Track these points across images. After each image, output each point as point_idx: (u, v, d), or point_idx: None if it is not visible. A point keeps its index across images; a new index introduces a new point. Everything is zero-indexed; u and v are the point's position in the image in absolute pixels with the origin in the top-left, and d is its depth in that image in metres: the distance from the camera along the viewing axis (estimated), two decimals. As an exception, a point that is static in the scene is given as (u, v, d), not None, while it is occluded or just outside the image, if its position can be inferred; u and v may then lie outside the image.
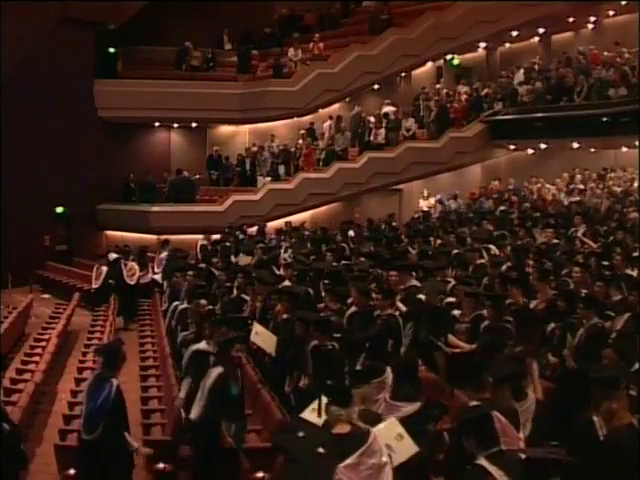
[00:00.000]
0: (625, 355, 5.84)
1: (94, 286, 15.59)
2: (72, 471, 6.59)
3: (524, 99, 19.86)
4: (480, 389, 4.99)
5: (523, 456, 3.93)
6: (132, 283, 15.09)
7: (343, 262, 11.66)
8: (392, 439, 4.57)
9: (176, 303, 9.81)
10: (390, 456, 4.45)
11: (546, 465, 3.72)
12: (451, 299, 8.43)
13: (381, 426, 4.66)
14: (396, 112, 21.04)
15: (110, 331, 12.21)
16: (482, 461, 4.01)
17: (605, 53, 19.37)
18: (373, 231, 15.55)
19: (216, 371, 6.41)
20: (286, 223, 17.94)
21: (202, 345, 7.08)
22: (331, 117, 21.20)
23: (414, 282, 9.11)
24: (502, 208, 17.57)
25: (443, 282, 9.26)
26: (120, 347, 6.59)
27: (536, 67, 20.87)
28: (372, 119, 21.01)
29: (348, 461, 4.24)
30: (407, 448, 4.59)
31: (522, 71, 20.83)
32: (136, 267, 15.23)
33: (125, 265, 15.19)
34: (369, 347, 7.22)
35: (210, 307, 9.01)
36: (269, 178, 20.39)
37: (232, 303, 9.86)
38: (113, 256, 16.47)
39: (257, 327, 7.99)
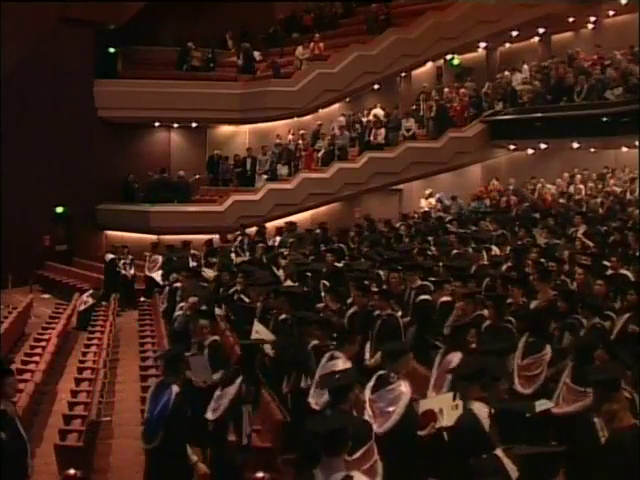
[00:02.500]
0: (619, 356, 5.84)
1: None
2: (72, 471, 6.60)
3: (523, 99, 19.84)
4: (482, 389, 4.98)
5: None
6: (152, 275, 15.36)
7: (343, 262, 11.69)
8: (448, 406, 5.23)
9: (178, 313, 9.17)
10: (438, 417, 5.26)
11: (544, 460, 3.70)
12: (446, 298, 8.41)
13: (447, 394, 5.45)
14: (386, 115, 21.00)
15: (110, 331, 12.22)
16: (498, 452, 4.03)
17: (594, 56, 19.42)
18: (372, 232, 15.54)
19: (457, 356, 6.01)
20: (286, 223, 17.90)
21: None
22: (343, 114, 21.24)
23: (420, 282, 9.09)
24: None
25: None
26: (181, 352, 6.30)
27: (526, 67, 20.82)
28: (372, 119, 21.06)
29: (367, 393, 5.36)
30: (454, 418, 5.08)
31: (518, 73, 20.84)
32: (160, 260, 15.35)
33: (150, 257, 15.59)
34: (531, 325, 6.70)
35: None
36: (265, 176, 20.39)
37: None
38: (109, 257, 16.58)
39: (257, 326, 7.99)
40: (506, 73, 21.08)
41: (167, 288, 12.01)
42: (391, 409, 5.18)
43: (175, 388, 5.76)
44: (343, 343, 6.34)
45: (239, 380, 6.04)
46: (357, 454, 4.52)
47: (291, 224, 17.45)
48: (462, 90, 21.41)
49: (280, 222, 18.56)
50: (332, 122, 21.31)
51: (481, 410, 4.68)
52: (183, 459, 5.72)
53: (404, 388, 5.27)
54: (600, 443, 4.54)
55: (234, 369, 6.32)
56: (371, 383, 5.46)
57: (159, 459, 5.67)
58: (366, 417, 5.17)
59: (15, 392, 5.60)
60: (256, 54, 21.87)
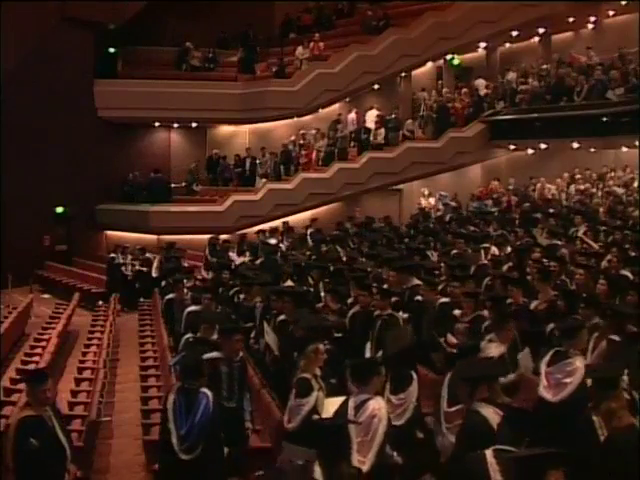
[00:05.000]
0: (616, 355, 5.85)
1: (154, 275, 15.59)
2: (72, 471, 6.58)
3: (520, 97, 19.84)
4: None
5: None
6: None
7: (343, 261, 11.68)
8: None
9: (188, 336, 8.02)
10: None
11: (543, 460, 3.69)
12: (445, 299, 8.40)
13: None
14: (380, 115, 21.03)
15: (110, 331, 12.22)
16: (488, 452, 4.05)
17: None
18: (372, 231, 15.53)
19: None
20: (283, 223, 17.90)
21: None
22: (357, 111, 21.35)
23: (416, 282, 9.07)
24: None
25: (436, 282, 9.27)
26: (198, 356, 6.05)
27: (512, 74, 20.90)
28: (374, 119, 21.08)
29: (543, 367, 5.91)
30: None
31: (514, 73, 20.93)
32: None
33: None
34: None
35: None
36: (264, 180, 20.41)
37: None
38: (111, 255, 16.65)
39: (266, 327, 7.99)
40: (477, 81, 21.25)
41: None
42: (568, 380, 5.68)
43: (209, 392, 5.61)
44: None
45: (414, 381, 5.98)
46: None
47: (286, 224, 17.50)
48: (464, 90, 21.41)
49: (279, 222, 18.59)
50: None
51: (488, 411, 4.65)
52: (223, 464, 5.66)
53: (580, 363, 5.71)
54: (599, 442, 4.53)
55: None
56: (547, 358, 5.94)
57: (200, 468, 5.48)
58: (540, 387, 5.79)
59: (48, 398, 5.40)
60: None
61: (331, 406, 5.79)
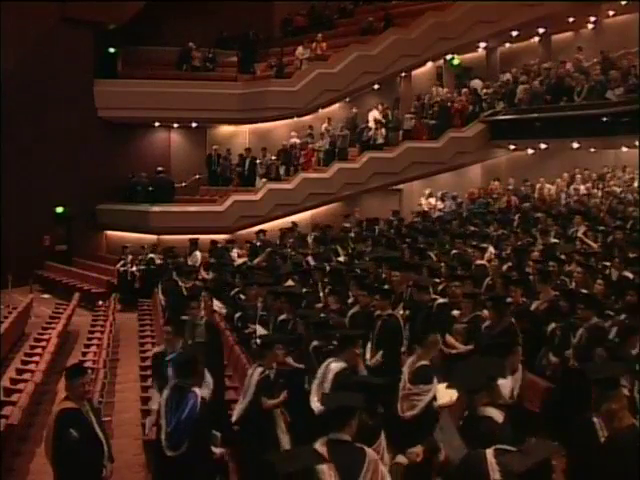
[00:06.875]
0: (618, 356, 5.84)
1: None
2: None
3: (520, 98, 19.85)
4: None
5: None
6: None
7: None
8: None
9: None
10: None
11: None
12: (443, 300, 8.38)
13: None
14: (384, 115, 21.00)
15: (110, 331, 12.23)
16: (489, 451, 4.04)
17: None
18: (372, 231, 15.54)
19: None
20: (292, 224, 17.81)
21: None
22: (376, 107, 21.30)
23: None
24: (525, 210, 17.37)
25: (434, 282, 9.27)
26: (194, 354, 6.07)
27: (508, 75, 20.93)
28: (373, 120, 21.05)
29: None
30: None
31: (509, 73, 20.97)
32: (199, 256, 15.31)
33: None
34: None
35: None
36: (264, 180, 20.41)
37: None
38: (150, 256, 16.58)
39: (259, 329, 7.98)
40: (474, 82, 21.37)
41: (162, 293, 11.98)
42: None
43: (199, 391, 5.66)
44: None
45: None
46: None
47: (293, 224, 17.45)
48: (464, 90, 21.41)
49: (280, 223, 18.57)
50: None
51: (495, 414, 4.61)
52: (210, 461, 5.72)
53: None
54: (599, 443, 4.52)
55: None
56: None
57: (185, 465, 5.52)
58: None
59: (86, 392, 5.51)
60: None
61: (442, 392, 5.96)
